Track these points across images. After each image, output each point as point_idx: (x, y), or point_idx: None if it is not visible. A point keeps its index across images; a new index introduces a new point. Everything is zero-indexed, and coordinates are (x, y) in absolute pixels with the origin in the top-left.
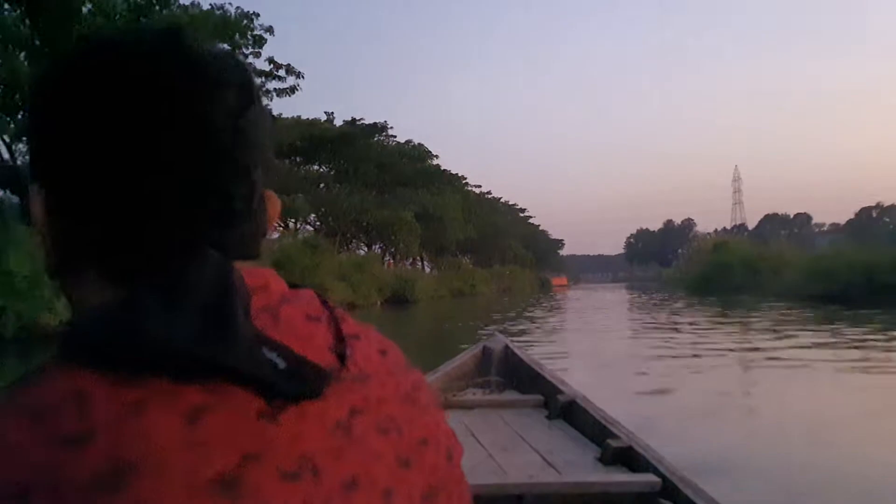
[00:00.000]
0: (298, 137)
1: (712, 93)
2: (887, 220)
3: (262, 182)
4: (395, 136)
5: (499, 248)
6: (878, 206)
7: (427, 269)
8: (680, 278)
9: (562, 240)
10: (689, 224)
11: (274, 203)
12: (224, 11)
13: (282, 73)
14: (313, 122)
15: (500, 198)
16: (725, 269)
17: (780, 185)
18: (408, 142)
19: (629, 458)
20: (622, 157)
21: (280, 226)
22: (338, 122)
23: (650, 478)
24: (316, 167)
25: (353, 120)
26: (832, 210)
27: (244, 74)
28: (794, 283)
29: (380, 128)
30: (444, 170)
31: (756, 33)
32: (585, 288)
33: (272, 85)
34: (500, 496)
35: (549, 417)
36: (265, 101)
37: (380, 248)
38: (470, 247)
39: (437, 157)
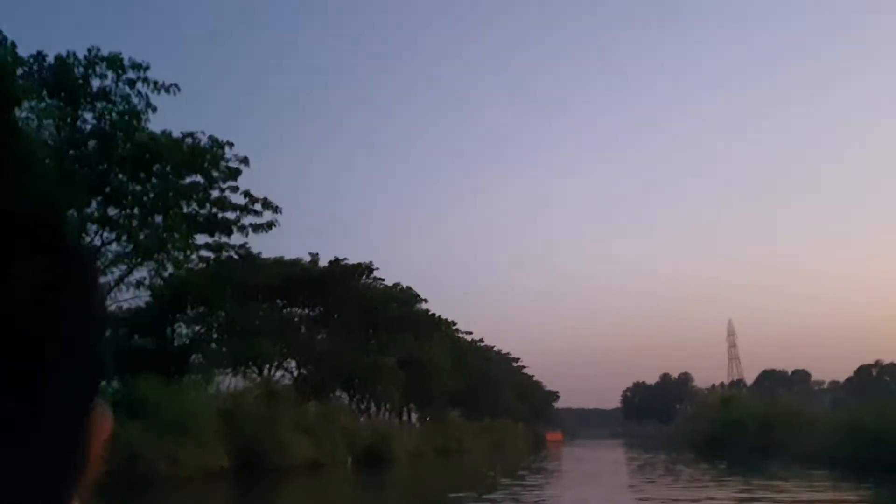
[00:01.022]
0: (278, 278)
1: (706, 241)
2: (888, 378)
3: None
4: (382, 279)
5: (490, 400)
6: (877, 364)
7: (413, 421)
8: (684, 436)
9: (557, 392)
10: (686, 378)
11: (102, 423)
12: (195, 139)
13: (258, 206)
14: (295, 262)
15: (493, 346)
16: (737, 428)
17: (776, 340)
18: (395, 285)
19: None
20: (617, 308)
21: (253, 373)
22: (323, 264)
23: None
24: (297, 310)
25: (337, 260)
26: (831, 367)
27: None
28: (835, 446)
29: (364, 268)
30: (433, 314)
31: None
32: (582, 444)
33: (248, 220)
34: None
35: None
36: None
37: (357, 398)
38: (459, 398)
39: (425, 300)
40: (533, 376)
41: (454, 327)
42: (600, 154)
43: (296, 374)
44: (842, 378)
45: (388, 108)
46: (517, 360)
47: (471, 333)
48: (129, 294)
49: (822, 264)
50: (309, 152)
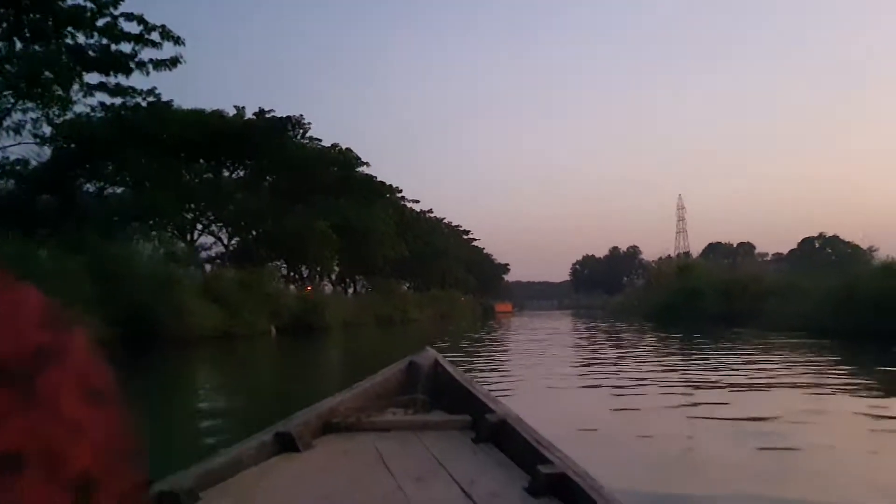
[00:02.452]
0: (196, 131)
1: (657, 117)
2: (829, 250)
3: None
4: (319, 140)
5: (438, 271)
6: (820, 236)
7: (357, 292)
8: (635, 305)
9: (507, 264)
10: (634, 251)
11: None
12: None
13: (155, 37)
14: (216, 114)
15: (443, 218)
16: (695, 297)
17: (722, 215)
18: (333, 146)
19: (562, 487)
20: (568, 183)
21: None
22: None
23: None
24: (226, 173)
25: (262, 111)
26: (774, 240)
27: None
28: (813, 314)
29: (295, 122)
30: (376, 179)
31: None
32: (531, 315)
33: (146, 54)
34: None
35: (475, 440)
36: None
37: (294, 267)
38: (406, 269)
39: (367, 164)
40: (483, 249)
41: (399, 195)
42: (549, 24)
43: (227, 242)
44: (785, 250)
45: None
46: (467, 232)
47: (417, 202)
48: (10, 140)
49: (768, 139)
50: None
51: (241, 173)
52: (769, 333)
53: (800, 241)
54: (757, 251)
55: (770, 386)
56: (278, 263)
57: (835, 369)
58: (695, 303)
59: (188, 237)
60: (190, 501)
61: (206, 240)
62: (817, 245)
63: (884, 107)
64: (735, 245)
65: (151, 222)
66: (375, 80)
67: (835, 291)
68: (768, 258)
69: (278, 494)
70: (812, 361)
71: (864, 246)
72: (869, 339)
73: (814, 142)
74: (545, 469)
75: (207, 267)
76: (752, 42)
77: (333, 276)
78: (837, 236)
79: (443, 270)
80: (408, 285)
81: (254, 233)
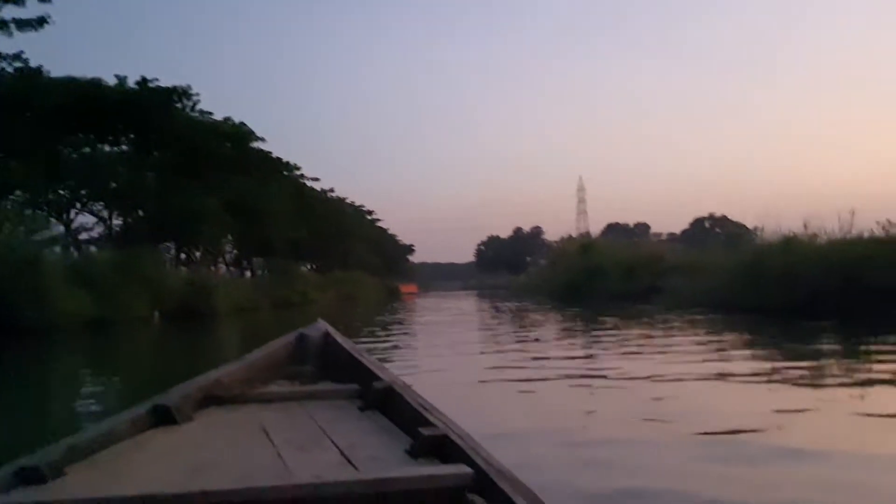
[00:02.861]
0: (68, 101)
1: (557, 100)
2: (718, 230)
3: None
4: (210, 113)
5: (341, 253)
6: (710, 216)
7: (255, 275)
8: (538, 285)
9: (412, 245)
10: (537, 231)
11: None
12: None
13: None
14: (94, 83)
15: (345, 197)
16: (598, 275)
17: (620, 195)
18: (226, 119)
19: (443, 448)
20: (473, 164)
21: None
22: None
23: (462, 469)
24: (107, 147)
25: (145, 80)
26: (668, 221)
27: None
28: (718, 290)
29: (181, 93)
30: (272, 155)
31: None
32: (436, 295)
33: (8, 12)
34: (278, 500)
35: (362, 409)
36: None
37: (184, 248)
38: (307, 250)
39: (263, 140)
40: (387, 229)
41: (298, 172)
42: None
43: (109, 222)
44: (678, 230)
45: None
46: (371, 212)
47: (318, 180)
48: None
49: (663, 123)
50: None
51: (125, 148)
52: (673, 310)
53: (691, 221)
54: (652, 231)
55: (665, 354)
56: (168, 245)
57: (741, 340)
58: (597, 281)
59: (64, 216)
60: (53, 475)
61: (88, 220)
62: (707, 225)
63: (764, 98)
64: (633, 225)
65: (13, 197)
66: (280, 54)
67: (740, 267)
68: (663, 238)
69: (151, 466)
70: (717, 334)
71: (751, 226)
72: (774, 314)
73: (702, 127)
74: (427, 431)
75: (93, 249)
76: (645, 26)
77: (229, 258)
78: (726, 217)
79: (345, 251)
80: (309, 267)
81: (140, 212)
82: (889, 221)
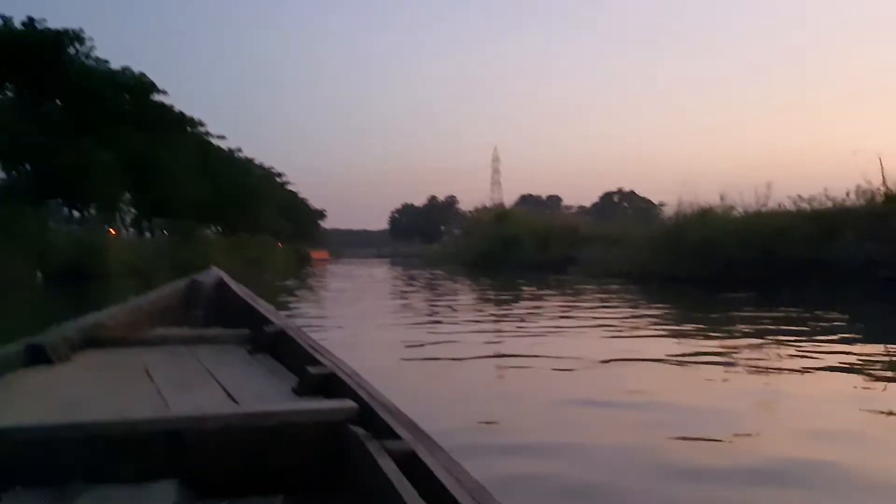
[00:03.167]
0: None
1: (472, 71)
2: (626, 204)
3: None
4: (107, 61)
5: (248, 216)
6: (619, 191)
7: (155, 237)
8: (453, 254)
9: (323, 210)
10: (452, 201)
11: None
12: None
13: None
14: None
15: (253, 158)
16: (513, 244)
17: (533, 168)
18: (124, 69)
19: (329, 386)
20: (386, 130)
21: None
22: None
23: (346, 403)
24: None
25: (32, 21)
26: (579, 194)
27: None
28: (635, 261)
29: (73, 37)
30: (175, 109)
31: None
32: (349, 263)
33: None
34: (153, 432)
35: (251, 352)
36: None
37: (78, 207)
38: (213, 213)
39: (164, 93)
40: (298, 193)
41: (202, 129)
42: None
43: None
44: (588, 203)
45: None
46: (280, 175)
47: (224, 138)
48: None
49: (575, 97)
50: None
51: (9, 95)
52: (591, 280)
53: (601, 195)
54: (564, 203)
55: (577, 328)
56: (59, 202)
57: (658, 312)
58: (513, 251)
59: None
60: None
61: None
62: (616, 199)
63: (675, 73)
64: (545, 197)
65: None
66: (188, 6)
67: (658, 239)
68: (574, 210)
69: (20, 403)
70: (633, 306)
71: (656, 202)
72: (692, 284)
73: (613, 102)
74: (314, 370)
75: None
76: (560, 1)
77: (129, 219)
78: (634, 192)
79: (253, 214)
80: (214, 230)
81: (27, 166)
82: (800, 196)
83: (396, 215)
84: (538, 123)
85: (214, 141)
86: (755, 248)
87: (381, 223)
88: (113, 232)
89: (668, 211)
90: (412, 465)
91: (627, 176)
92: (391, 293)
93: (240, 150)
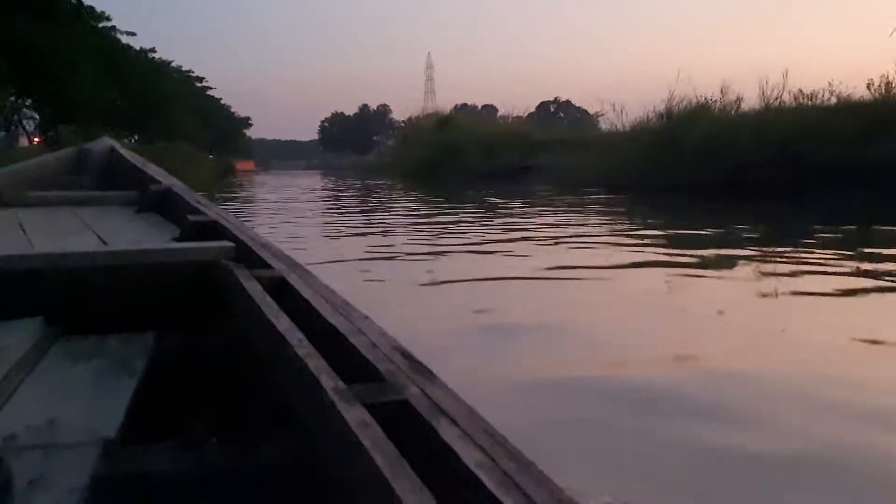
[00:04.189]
0: None
1: None
2: (562, 114)
3: None
4: None
5: (165, 123)
6: (555, 100)
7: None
8: (389, 164)
9: (248, 118)
10: (384, 110)
11: None
12: None
13: None
14: None
15: (170, 60)
16: (457, 153)
17: (469, 77)
18: None
19: (210, 234)
20: (315, 34)
21: None
22: None
23: (223, 243)
24: None
25: None
26: (515, 103)
27: None
28: (618, 167)
29: None
30: None
31: None
32: (276, 174)
33: None
34: (13, 270)
35: (138, 211)
36: None
37: None
38: (124, 119)
39: None
40: (220, 99)
41: (106, 22)
42: None
43: None
44: (524, 113)
45: None
46: (201, 79)
47: (134, 34)
48: None
49: (508, 4)
50: None
51: None
52: (560, 189)
53: (537, 104)
54: (499, 113)
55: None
56: None
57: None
58: (458, 159)
59: None
60: None
61: None
62: (552, 109)
63: None
64: (480, 107)
65: None
66: None
67: (650, 140)
68: (510, 120)
69: None
70: (628, 218)
71: (592, 111)
72: (690, 192)
73: (546, 7)
74: (195, 218)
75: None
76: None
77: (31, 127)
78: (570, 101)
79: (170, 121)
80: (127, 139)
81: None
82: (832, 84)
83: (326, 125)
84: (472, 31)
85: (123, 39)
86: (774, 147)
87: (311, 134)
88: (38, 140)
89: (638, 114)
90: (282, 290)
91: (562, 85)
92: (324, 206)
93: (153, 49)
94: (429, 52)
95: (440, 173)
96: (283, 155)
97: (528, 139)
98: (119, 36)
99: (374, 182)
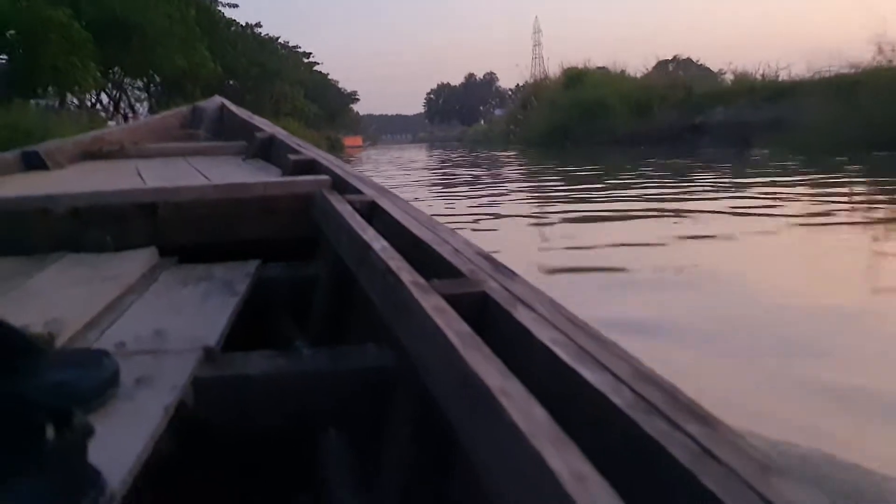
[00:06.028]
0: None
1: None
2: (682, 72)
3: None
4: None
5: (272, 98)
6: (674, 59)
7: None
8: (504, 132)
9: (355, 92)
10: (491, 78)
11: None
12: None
13: None
14: None
15: (278, 36)
16: (598, 112)
17: (577, 38)
18: None
19: (309, 170)
20: (416, 4)
21: None
22: None
23: (320, 177)
24: None
25: None
26: (630, 63)
27: None
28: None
29: None
30: None
31: None
32: (384, 148)
33: None
34: (129, 204)
35: (245, 158)
36: None
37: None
38: (229, 94)
39: None
40: (328, 74)
41: None
42: None
43: None
44: (639, 74)
45: None
46: (309, 55)
47: (236, 6)
48: None
49: None
50: None
51: None
52: (755, 154)
53: (655, 64)
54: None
55: None
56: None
57: None
58: (596, 121)
59: None
60: None
61: None
62: (671, 68)
63: None
64: (594, 69)
65: None
66: None
67: None
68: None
69: (12, 192)
70: None
71: (715, 69)
72: None
73: None
74: (294, 157)
75: None
76: None
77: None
78: (690, 59)
79: (276, 97)
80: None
81: None
82: None
83: (432, 96)
84: None
85: (223, 9)
86: None
87: (416, 107)
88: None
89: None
90: (373, 211)
91: (679, 42)
92: (444, 183)
93: (259, 24)
94: (535, 16)
95: (573, 139)
96: (389, 129)
97: (690, 94)
98: (220, 9)
99: (490, 153)
